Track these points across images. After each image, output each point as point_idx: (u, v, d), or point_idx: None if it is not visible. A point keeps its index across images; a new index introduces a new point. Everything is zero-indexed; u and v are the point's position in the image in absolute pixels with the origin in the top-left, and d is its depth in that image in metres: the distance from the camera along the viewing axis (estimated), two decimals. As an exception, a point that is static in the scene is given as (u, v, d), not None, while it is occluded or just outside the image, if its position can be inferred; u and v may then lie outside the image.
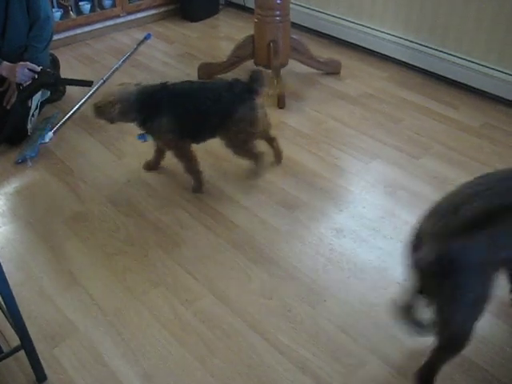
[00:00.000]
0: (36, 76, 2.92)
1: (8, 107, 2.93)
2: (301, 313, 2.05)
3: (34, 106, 3.07)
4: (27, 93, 2.95)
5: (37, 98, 3.11)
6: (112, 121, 2.48)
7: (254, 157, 2.64)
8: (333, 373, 1.83)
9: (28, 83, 2.92)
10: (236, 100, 2.45)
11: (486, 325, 1.97)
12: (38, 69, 2.91)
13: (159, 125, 2.46)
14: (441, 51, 3.51)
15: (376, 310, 2.05)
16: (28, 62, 2.91)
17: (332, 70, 3.73)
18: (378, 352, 1.89)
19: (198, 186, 2.66)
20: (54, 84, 3.00)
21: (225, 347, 1.92)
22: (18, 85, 2.92)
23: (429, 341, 1.90)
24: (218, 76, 3.64)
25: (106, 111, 2.42)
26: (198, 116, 2.47)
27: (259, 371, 1.84)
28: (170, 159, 2.68)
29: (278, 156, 2.82)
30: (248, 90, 2.48)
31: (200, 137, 2.59)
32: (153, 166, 2.83)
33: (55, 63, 3.50)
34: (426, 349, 1.88)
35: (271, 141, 2.77)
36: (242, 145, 2.56)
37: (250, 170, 2.71)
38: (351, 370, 1.84)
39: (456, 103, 3.35)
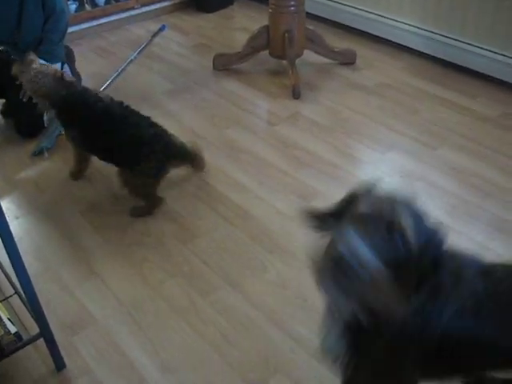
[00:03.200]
0: None
1: (24, 100, 2.95)
2: (317, 302, 2.03)
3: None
4: None
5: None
6: (33, 88, 2.47)
7: (152, 200, 2.51)
8: (349, 363, 1.83)
9: None
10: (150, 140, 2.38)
11: None
12: None
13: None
14: (459, 41, 3.46)
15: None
16: None
17: (347, 60, 3.71)
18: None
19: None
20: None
21: (242, 337, 1.93)
22: None
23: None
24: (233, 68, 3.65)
25: (37, 77, 2.44)
26: (107, 136, 2.42)
27: (276, 361, 1.85)
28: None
29: (198, 168, 2.70)
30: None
31: (99, 151, 2.53)
32: (77, 174, 2.74)
33: (70, 55, 3.51)
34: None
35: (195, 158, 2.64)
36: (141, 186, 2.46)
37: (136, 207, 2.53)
38: (368, 360, 1.84)
39: (474, 93, 3.31)
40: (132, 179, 2.42)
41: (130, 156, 2.38)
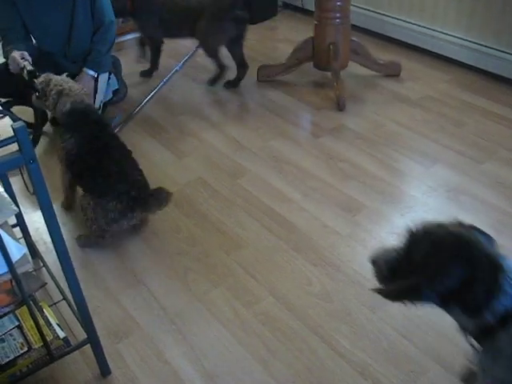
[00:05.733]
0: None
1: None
2: (361, 317, 2.03)
3: (96, 107, 3.14)
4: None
5: (99, 100, 3.18)
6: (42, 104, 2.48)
7: (96, 235, 2.41)
8: (393, 379, 1.81)
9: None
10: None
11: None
12: (22, 64, 2.70)
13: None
14: (507, 53, 3.41)
15: (438, 316, 2.00)
16: (22, 54, 2.77)
17: (392, 72, 3.69)
18: (440, 359, 1.86)
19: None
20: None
21: (285, 349, 1.93)
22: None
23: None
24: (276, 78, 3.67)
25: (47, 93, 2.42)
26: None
27: (319, 374, 1.84)
28: (230, 160, 2.70)
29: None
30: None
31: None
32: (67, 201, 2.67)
33: (116, 65, 3.58)
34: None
35: None
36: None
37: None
38: (412, 376, 1.81)
39: (522, 107, 3.26)
40: (92, 207, 2.32)
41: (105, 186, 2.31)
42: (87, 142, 2.36)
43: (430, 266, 1.26)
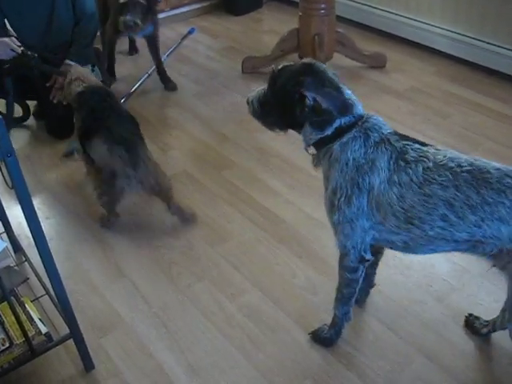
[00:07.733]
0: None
1: (55, 101, 2.97)
2: (346, 309, 2.03)
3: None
4: (4, 70, 2.82)
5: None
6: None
7: (107, 210, 2.45)
8: (379, 370, 1.81)
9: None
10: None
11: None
12: (19, 50, 2.73)
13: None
14: (491, 44, 3.42)
15: (422, 307, 2.02)
16: (12, 39, 2.75)
17: (377, 63, 3.68)
18: (424, 350, 1.86)
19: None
20: (31, 67, 2.81)
21: (269, 341, 1.92)
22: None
23: (477, 339, 1.87)
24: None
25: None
26: None
27: (304, 366, 1.83)
28: (215, 152, 2.69)
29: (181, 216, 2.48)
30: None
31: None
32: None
33: (99, 57, 3.54)
34: (473, 347, 1.85)
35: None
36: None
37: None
38: (397, 367, 1.81)
39: (508, 98, 3.26)
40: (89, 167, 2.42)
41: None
42: (96, 107, 2.38)
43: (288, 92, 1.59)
